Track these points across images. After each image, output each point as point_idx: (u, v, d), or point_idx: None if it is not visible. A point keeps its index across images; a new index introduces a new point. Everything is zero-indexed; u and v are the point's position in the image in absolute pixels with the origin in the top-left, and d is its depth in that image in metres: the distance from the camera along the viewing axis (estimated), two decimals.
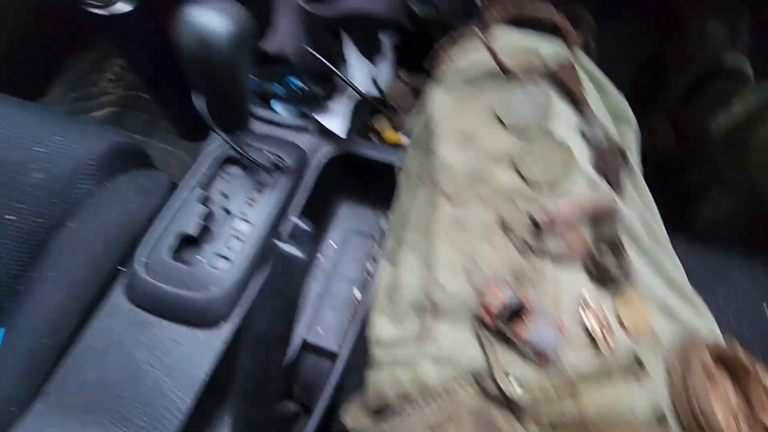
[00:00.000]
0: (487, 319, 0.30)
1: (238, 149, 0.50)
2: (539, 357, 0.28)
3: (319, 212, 0.63)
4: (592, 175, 0.32)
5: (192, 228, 0.51)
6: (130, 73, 1.19)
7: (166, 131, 1.13)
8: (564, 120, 0.33)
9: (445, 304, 0.32)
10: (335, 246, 0.63)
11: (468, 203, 0.33)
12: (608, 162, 0.33)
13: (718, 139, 0.71)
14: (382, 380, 0.34)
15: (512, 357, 0.29)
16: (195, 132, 1.06)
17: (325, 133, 0.59)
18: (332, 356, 0.56)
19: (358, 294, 0.60)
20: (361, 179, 0.63)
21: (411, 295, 0.34)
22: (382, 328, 0.36)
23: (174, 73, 0.91)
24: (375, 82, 0.63)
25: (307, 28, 0.52)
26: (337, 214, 0.65)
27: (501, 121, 0.33)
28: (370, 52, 0.60)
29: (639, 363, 0.29)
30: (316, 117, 0.58)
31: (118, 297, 0.49)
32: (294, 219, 0.34)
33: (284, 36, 0.53)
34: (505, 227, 0.32)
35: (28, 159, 0.55)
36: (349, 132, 0.61)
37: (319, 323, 0.57)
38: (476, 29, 0.35)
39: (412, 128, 0.43)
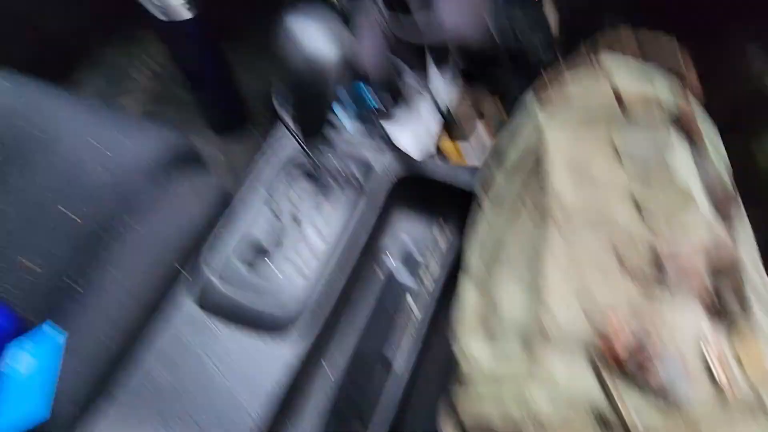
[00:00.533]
0: (610, 355, 0.30)
1: (316, 160, 0.49)
2: (666, 398, 0.28)
3: (381, 230, 0.61)
4: (710, 218, 0.32)
5: (263, 235, 0.50)
6: (168, 67, 1.17)
7: (197, 125, 1.12)
8: (683, 161, 0.33)
9: (557, 332, 0.32)
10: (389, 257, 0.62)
11: (581, 234, 0.33)
12: (724, 207, 0.33)
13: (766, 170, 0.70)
14: (482, 403, 0.33)
15: (635, 396, 0.29)
16: (227, 125, 1.07)
17: (396, 150, 0.58)
18: (384, 360, 0.55)
19: (411, 303, 0.59)
20: (427, 198, 0.62)
21: (513, 320, 0.34)
22: (476, 348, 0.36)
23: (217, 70, 0.93)
24: (436, 102, 0.63)
25: (391, 47, 0.51)
26: (397, 229, 0.64)
27: (619, 156, 0.34)
28: (441, 69, 0.60)
29: (761, 404, 0.29)
30: (389, 134, 0.57)
31: (185, 302, 0.47)
32: (407, 241, 0.33)
33: (366, 51, 0.52)
34: (621, 260, 0.32)
35: (90, 158, 0.54)
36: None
37: None
38: (593, 59, 0.35)
39: (502, 150, 0.43)
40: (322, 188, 0.54)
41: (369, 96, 0.56)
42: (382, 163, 0.56)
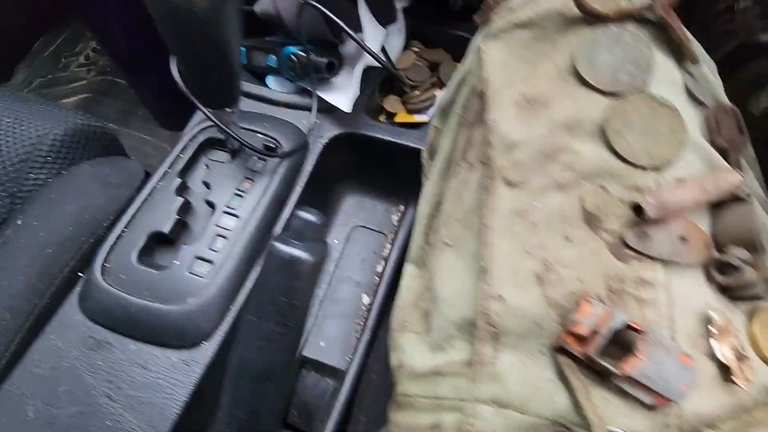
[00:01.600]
0: (576, 349, 0.21)
1: (224, 127, 0.40)
2: (658, 401, 0.20)
3: (320, 205, 0.53)
4: (706, 148, 0.24)
5: (166, 224, 0.41)
6: (104, 55, 1.08)
7: (143, 119, 1.02)
8: (667, 76, 0.25)
9: (509, 324, 0.23)
10: (339, 244, 0.54)
11: (538, 189, 0.25)
12: (724, 129, 0.25)
13: (758, 119, 0.64)
14: (414, 414, 0.25)
15: (613, 401, 0.21)
16: (176, 119, 0.97)
17: (329, 111, 0.50)
18: (337, 374, 0.47)
19: (366, 300, 0.51)
20: (370, 167, 0.54)
21: (453, 306, 0.26)
22: (415, 353, 0.27)
23: (152, 54, 0.82)
24: (386, 52, 0.54)
25: None
26: (341, 207, 0.56)
27: (583, 80, 0.25)
28: (385, 17, 0.51)
29: None
30: (317, 92, 0.49)
31: (70, 310, 0.39)
32: (299, 212, 0.25)
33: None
34: (592, 219, 0.23)
35: None
36: (358, 111, 0.52)
37: (321, 335, 0.48)
38: None
39: (446, 102, 0.34)
40: (243, 165, 0.45)
41: (293, 50, 0.47)
42: (312, 124, 0.47)
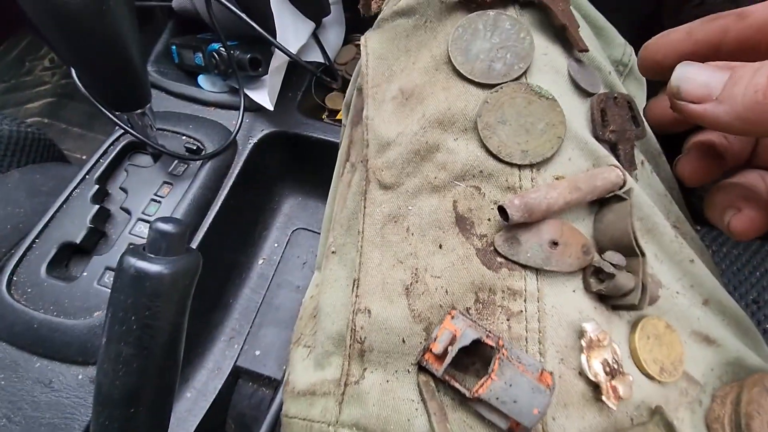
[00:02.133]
0: (435, 368, 0.19)
1: (131, 131, 0.38)
2: (512, 425, 0.18)
3: (257, 208, 0.52)
4: (589, 142, 0.22)
5: (78, 234, 0.39)
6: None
7: (110, 123, 1.01)
8: (549, 65, 0.22)
9: (376, 340, 0.21)
10: (279, 248, 0.52)
11: (412, 191, 0.23)
12: (612, 120, 0.22)
13: None
14: None
15: (474, 425, 0.19)
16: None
17: (260, 110, 0.48)
18: (273, 384, 0.46)
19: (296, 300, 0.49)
20: (309, 167, 0.52)
21: (332, 325, 0.24)
22: (300, 369, 0.26)
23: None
24: (322, 47, 0.51)
25: None
26: (281, 209, 0.54)
27: (457, 71, 0.23)
28: (314, 8, 0.48)
29: (666, 424, 0.19)
30: (246, 90, 0.47)
31: None
32: (155, 222, 0.23)
33: None
34: (464, 224, 0.21)
35: None
36: (290, 109, 0.50)
37: (256, 344, 0.47)
38: None
39: (347, 98, 0.32)
40: (162, 168, 0.44)
41: (220, 55, 0.45)
42: (236, 123, 0.45)
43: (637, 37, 0.29)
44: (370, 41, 0.26)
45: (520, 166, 0.21)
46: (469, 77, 0.22)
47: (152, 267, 0.22)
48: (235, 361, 0.46)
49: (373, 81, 0.25)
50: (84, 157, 0.94)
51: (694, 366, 0.21)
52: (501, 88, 0.22)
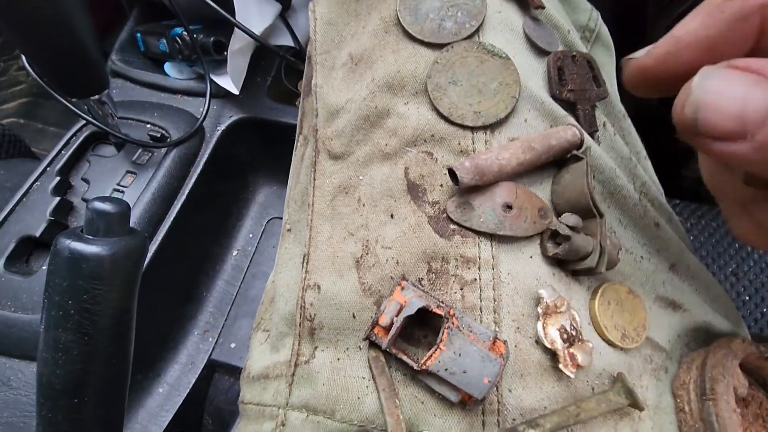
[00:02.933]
0: (383, 342, 0.18)
1: (89, 119, 0.37)
2: (464, 397, 0.17)
3: (230, 197, 0.50)
4: (546, 101, 0.21)
5: (37, 227, 0.38)
6: None
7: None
8: (503, 23, 0.21)
9: (325, 317, 0.20)
10: (254, 238, 0.51)
11: (363, 160, 0.22)
12: (571, 80, 0.21)
13: None
14: (247, 420, 0.22)
15: (425, 400, 0.18)
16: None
17: (229, 96, 0.47)
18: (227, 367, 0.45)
19: None
20: (282, 154, 0.51)
21: (285, 305, 0.23)
22: (256, 354, 0.24)
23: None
24: (291, 30, 0.50)
25: None
26: (255, 199, 0.53)
27: (407, 33, 0.21)
28: None
29: (627, 392, 0.18)
30: (211, 76, 0.45)
31: None
32: (93, 202, 0.21)
33: None
34: (416, 191, 0.20)
35: None
36: (259, 94, 0.49)
37: (231, 337, 0.45)
38: None
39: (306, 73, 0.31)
40: (126, 158, 0.42)
41: (182, 39, 0.44)
42: (209, 110, 0.44)
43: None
44: (319, 6, 0.24)
45: (473, 128, 0.20)
46: (418, 37, 0.21)
47: (89, 248, 0.21)
48: (210, 355, 0.45)
49: (321, 48, 0.24)
50: None
51: (659, 332, 0.20)
52: (452, 47, 0.21)
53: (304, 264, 0.21)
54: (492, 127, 0.20)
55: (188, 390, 0.42)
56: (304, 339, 0.21)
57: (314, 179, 0.22)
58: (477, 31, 0.21)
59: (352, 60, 0.23)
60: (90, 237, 0.21)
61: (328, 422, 0.19)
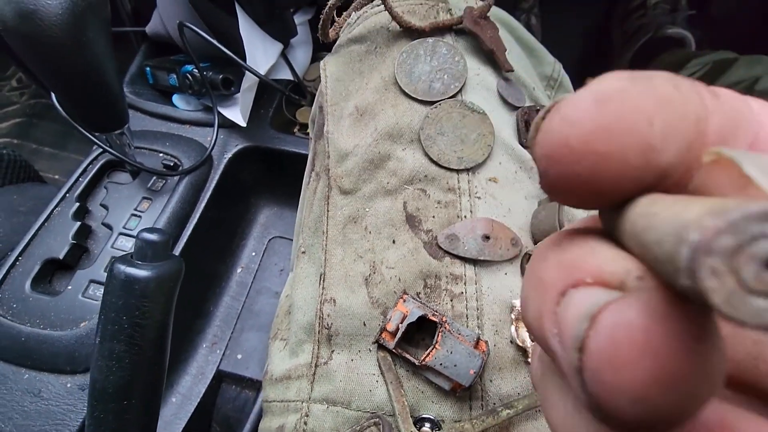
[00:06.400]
0: (389, 344, 0.23)
1: (111, 151, 0.41)
2: (455, 386, 0.22)
3: (235, 219, 0.54)
4: (515, 147, 0.26)
5: (61, 250, 0.41)
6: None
7: (80, 141, 1.01)
8: (481, 84, 0.27)
9: (340, 325, 0.25)
10: (257, 256, 0.55)
11: (369, 195, 0.26)
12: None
13: None
14: (268, 429, 0.26)
15: (425, 390, 0.23)
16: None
17: (234, 126, 0.51)
18: (256, 385, 0.48)
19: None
20: (282, 178, 0.55)
21: (304, 316, 0.27)
22: (277, 359, 0.29)
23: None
24: (290, 65, 0.55)
25: (192, 1, 0.43)
26: (258, 220, 0.57)
27: (403, 91, 0.26)
28: (281, 31, 0.52)
29: None
30: (219, 108, 0.50)
31: None
32: (141, 233, 0.25)
33: (164, 13, 0.44)
34: (413, 221, 0.25)
35: None
36: (263, 124, 0.53)
37: (238, 348, 0.49)
38: None
39: (312, 115, 0.36)
40: (141, 185, 0.46)
41: (193, 76, 0.48)
42: (209, 140, 0.48)
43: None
44: (329, 65, 0.29)
45: (458, 171, 0.25)
46: (413, 96, 0.26)
47: (140, 272, 0.25)
48: (218, 366, 0.48)
49: (331, 100, 0.28)
50: (57, 177, 0.94)
51: None
52: (440, 104, 0.26)
53: (321, 282, 0.26)
54: (473, 169, 0.25)
55: (199, 399, 0.46)
56: (322, 344, 0.25)
57: (327, 210, 0.27)
58: (460, 90, 0.26)
59: (358, 111, 0.28)
60: (139, 262, 0.25)
61: (346, 411, 0.23)
